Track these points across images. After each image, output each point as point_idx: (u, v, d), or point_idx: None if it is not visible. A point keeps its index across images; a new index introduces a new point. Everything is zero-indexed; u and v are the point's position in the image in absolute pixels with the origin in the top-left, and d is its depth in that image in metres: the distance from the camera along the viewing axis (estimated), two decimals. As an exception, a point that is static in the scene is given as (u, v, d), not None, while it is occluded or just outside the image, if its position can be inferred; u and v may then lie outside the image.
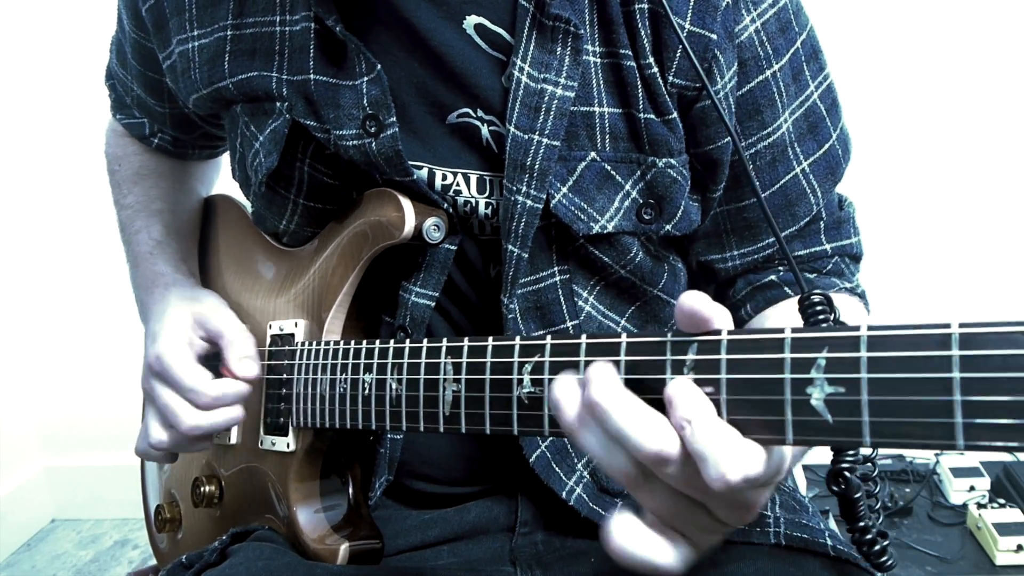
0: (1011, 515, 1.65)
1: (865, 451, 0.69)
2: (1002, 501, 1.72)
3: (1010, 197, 1.93)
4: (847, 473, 0.64)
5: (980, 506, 1.70)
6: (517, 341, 0.54)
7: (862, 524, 0.67)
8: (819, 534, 0.73)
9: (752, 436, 0.41)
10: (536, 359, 0.52)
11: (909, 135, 1.93)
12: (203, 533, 0.93)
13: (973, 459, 1.88)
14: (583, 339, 0.50)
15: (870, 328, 0.37)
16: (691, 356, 0.44)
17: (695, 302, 0.45)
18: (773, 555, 0.71)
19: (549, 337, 0.52)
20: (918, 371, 0.36)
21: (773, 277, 0.81)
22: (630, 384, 0.47)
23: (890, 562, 0.66)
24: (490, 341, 0.56)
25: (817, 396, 0.39)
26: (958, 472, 1.82)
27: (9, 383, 2.35)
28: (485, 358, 0.56)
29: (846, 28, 1.88)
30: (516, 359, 0.54)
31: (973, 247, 1.96)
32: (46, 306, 2.36)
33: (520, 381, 0.53)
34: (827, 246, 0.81)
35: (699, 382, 0.43)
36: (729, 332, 0.43)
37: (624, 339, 0.48)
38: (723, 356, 0.43)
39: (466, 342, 0.58)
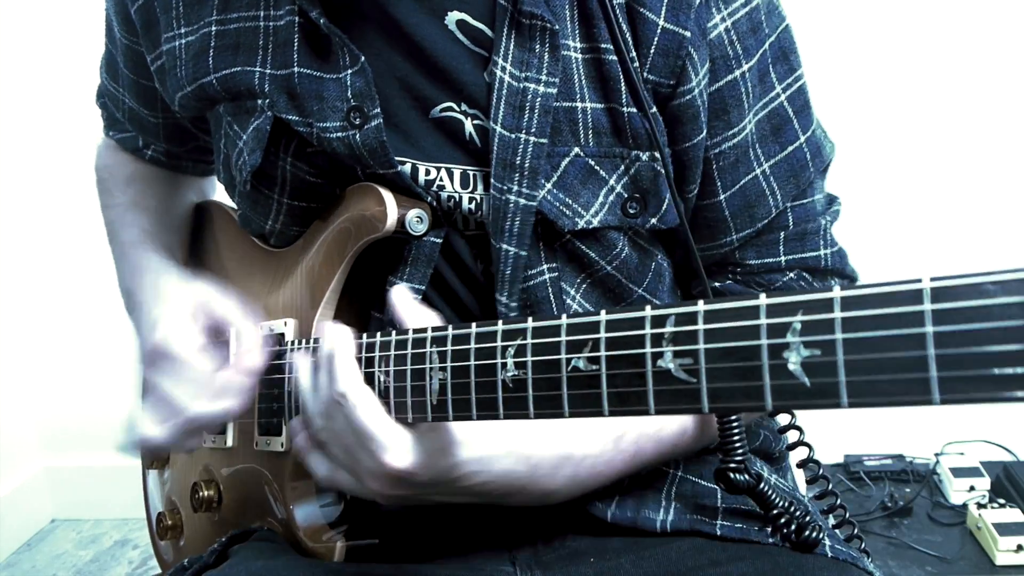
0: (1011, 515, 1.65)
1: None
2: (1002, 501, 1.71)
3: (1002, 191, 1.93)
4: (731, 475, 0.68)
5: (980, 506, 1.69)
6: (500, 326, 0.54)
7: (775, 512, 0.70)
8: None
9: (731, 404, 0.41)
10: (519, 342, 0.52)
11: (896, 131, 1.93)
12: (204, 538, 0.92)
13: (973, 459, 1.88)
14: (563, 319, 0.50)
15: (843, 288, 0.37)
16: (669, 329, 0.44)
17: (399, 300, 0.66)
18: (772, 555, 0.70)
19: (530, 320, 0.52)
20: (891, 328, 0.35)
21: (717, 284, 0.81)
22: (613, 360, 0.47)
23: (815, 535, 0.69)
24: (473, 327, 0.56)
25: (794, 360, 0.38)
26: (958, 472, 1.82)
27: (9, 383, 2.35)
28: (469, 344, 0.56)
29: (834, 26, 1.88)
30: (499, 343, 0.54)
31: (965, 239, 1.95)
32: (46, 306, 2.36)
33: (504, 365, 0.53)
34: (782, 258, 0.79)
35: (678, 354, 0.43)
36: (706, 302, 0.42)
37: (604, 316, 0.48)
38: (700, 327, 0.42)
39: (451, 330, 0.58)
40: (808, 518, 0.71)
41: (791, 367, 0.39)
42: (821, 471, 0.76)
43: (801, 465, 0.75)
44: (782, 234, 0.79)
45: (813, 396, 0.38)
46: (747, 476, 0.70)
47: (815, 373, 0.38)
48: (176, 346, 0.78)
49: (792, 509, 0.72)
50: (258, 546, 0.78)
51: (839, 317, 0.37)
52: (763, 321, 0.40)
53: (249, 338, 0.79)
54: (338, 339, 0.65)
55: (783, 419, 0.85)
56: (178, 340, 0.79)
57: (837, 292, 0.37)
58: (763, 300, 0.40)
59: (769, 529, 0.73)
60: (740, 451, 0.71)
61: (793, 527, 0.71)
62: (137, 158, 1.02)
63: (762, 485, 0.72)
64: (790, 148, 0.76)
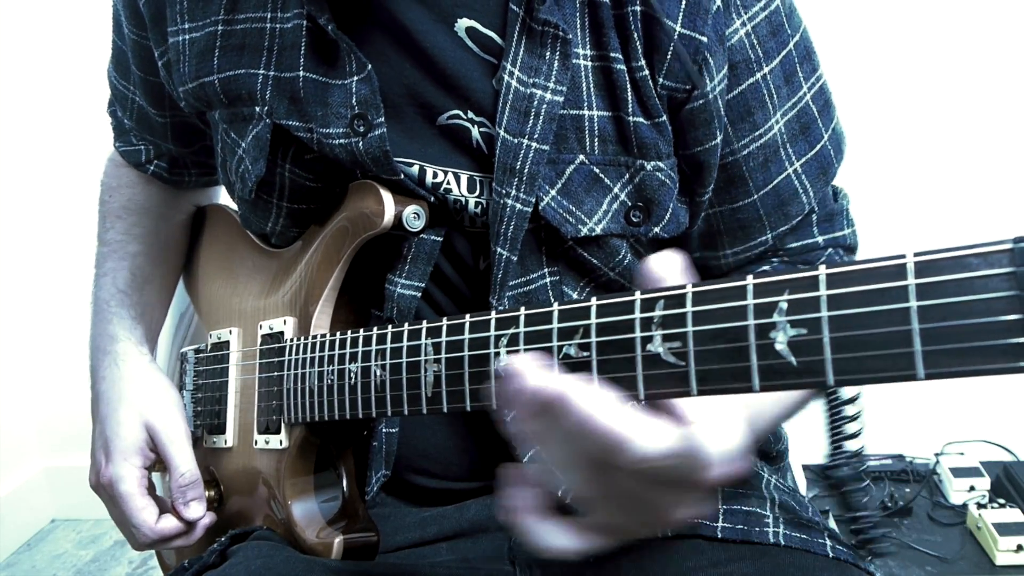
0: (1011, 515, 1.64)
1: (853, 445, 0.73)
2: (1002, 501, 1.71)
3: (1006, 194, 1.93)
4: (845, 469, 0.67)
5: (980, 506, 1.69)
6: (493, 315, 0.54)
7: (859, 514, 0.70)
8: (818, 535, 0.73)
9: (720, 386, 0.41)
10: (512, 331, 0.52)
11: (903, 130, 1.94)
12: (205, 538, 0.92)
13: (973, 459, 1.88)
14: (555, 307, 0.50)
15: (828, 266, 0.37)
16: (658, 312, 0.44)
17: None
18: (773, 555, 0.70)
19: (523, 308, 0.52)
20: (876, 304, 0.35)
21: (767, 267, 0.81)
22: (603, 346, 0.47)
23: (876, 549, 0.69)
24: (467, 318, 0.56)
25: (781, 340, 0.39)
26: (958, 472, 1.81)
27: (9, 383, 2.36)
28: (463, 335, 0.56)
29: (841, 26, 1.89)
30: (492, 333, 0.54)
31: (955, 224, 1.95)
32: (47, 306, 2.36)
33: (497, 355, 0.53)
34: (819, 238, 0.81)
35: (667, 337, 0.43)
36: (694, 285, 0.43)
37: (594, 302, 0.48)
38: (688, 309, 0.43)
39: (445, 322, 0.58)
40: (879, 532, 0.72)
41: (778, 347, 0.39)
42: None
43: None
44: (813, 217, 0.81)
45: (800, 375, 0.38)
46: (848, 469, 0.71)
47: (802, 352, 0.38)
48: (123, 490, 0.86)
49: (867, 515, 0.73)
50: (258, 545, 0.78)
51: (824, 295, 0.37)
52: (750, 301, 0.40)
53: (191, 490, 0.87)
54: (556, 382, 0.43)
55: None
56: (125, 484, 0.86)
57: (823, 270, 0.38)
58: (750, 280, 0.40)
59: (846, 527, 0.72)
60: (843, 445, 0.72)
61: (865, 535, 0.72)
62: (139, 177, 1.02)
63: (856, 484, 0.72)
64: (818, 146, 0.77)
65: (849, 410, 0.75)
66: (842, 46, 1.88)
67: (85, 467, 0.92)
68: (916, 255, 0.35)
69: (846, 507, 0.73)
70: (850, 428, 0.75)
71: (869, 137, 1.90)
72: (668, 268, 0.45)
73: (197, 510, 0.86)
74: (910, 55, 1.92)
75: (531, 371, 0.44)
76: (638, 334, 0.45)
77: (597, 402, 0.42)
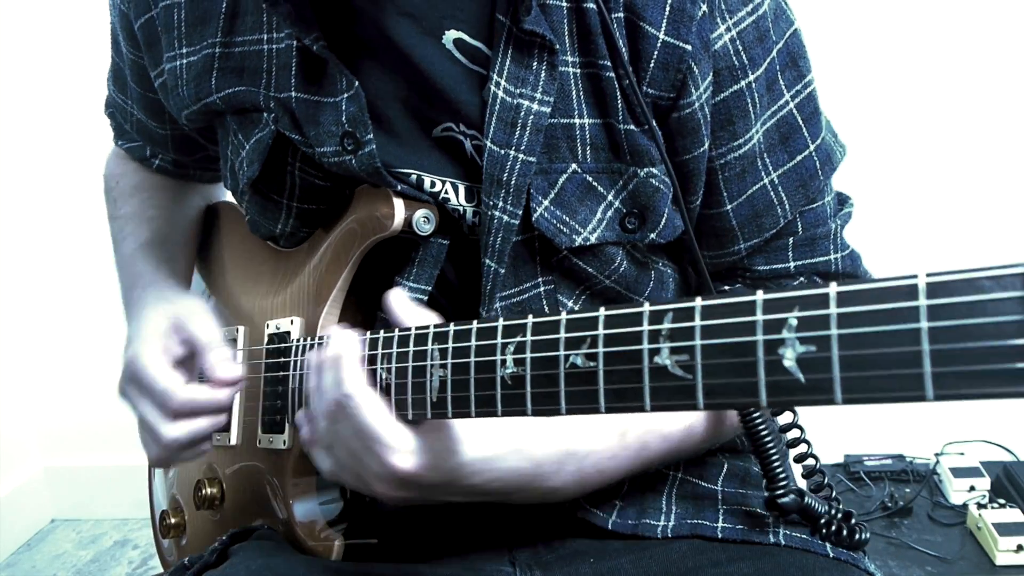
0: (1011, 515, 1.65)
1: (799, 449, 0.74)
2: (1002, 501, 1.71)
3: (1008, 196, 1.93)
4: (779, 500, 0.70)
5: (980, 506, 1.69)
6: (500, 322, 0.54)
7: (823, 521, 0.71)
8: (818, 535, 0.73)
9: (726, 401, 0.41)
10: (518, 339, 0.52)
11: (897, 128, 1.93)
12: (206, 536, 0.93)
13: (973, 459, 1.88)
14: (563, 315, 0.50)
15: (839, 284, 0.37)
16: (667, 325, 0.44)
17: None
18: (773, 555, 0.71)
19: (530, 317, 0.52)
20: (887, 323, 0.35)
21: (726, 288, 0.81)
22: (610, 356, 0.47)
23: (865, 536, 0.71)
24: (475, 324, 0.56)
25: (789, 356, 0.39)
26: (958, 472, 1.82)
27: (9, 383, 2.36)
28: (470, 341, 0.56)
29: (848, 32, 1.88)
30: (499, 340, 0.54)
31: (966, 238, 1.95)
32: (46, 307, 2.37)
33: (503, 362, 0.53)
34: (791, 264, 0.79)
35: (674, 350, 0.43)
36: (703, 298, 0.43)
37: (602, 312, 0.48)
38: (697, 323, 0.43)
39: (452, 327, 0.58)
40: (852, 519, 0.73)
41: (786, 363, 0.39)
42: (819, 465, 0.77)
43: (799, 460, 0.76)
44: (791, 240, 0.78)
45: (808, 392, 0.38)
46: (793, 496, 0.72)
47: (810, 369, 0.38)
48: (144, 362, 0.80)
49: (834, 513, 0.73)
50: (259, 544, 0.78)
51: (835, 313, 0.37)
52: (759, 317, 0.40)
53: (221, 350, 0.81)
54: (345, 342, 0.65)
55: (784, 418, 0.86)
56: (146, 358, 0.80)
57: (833, 288, 0.37)
58: (759, 296, 0.40)
59: (817, 537, 0.73)
60: (783, 476, 0.72)
61: (844, 531, 0.72)
62: (144, 167, 1.02)
63: (806, 499, 0.73)
64: (799, 157, 0.75)
65: (793, 433, 0.77)
66: (850, 54, 1.88)
67: (85, 467, 0.92)
68: (928, 275, 0.35)
69: (811, 520, 0.74)
70: (795, 451, 0.77)
71: (882, 152, 1.90)
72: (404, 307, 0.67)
73: (233, 369, 0.80)
74: (926, 67, 1.91)
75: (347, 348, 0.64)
76: (646, 346, 0.45)
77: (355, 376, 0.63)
